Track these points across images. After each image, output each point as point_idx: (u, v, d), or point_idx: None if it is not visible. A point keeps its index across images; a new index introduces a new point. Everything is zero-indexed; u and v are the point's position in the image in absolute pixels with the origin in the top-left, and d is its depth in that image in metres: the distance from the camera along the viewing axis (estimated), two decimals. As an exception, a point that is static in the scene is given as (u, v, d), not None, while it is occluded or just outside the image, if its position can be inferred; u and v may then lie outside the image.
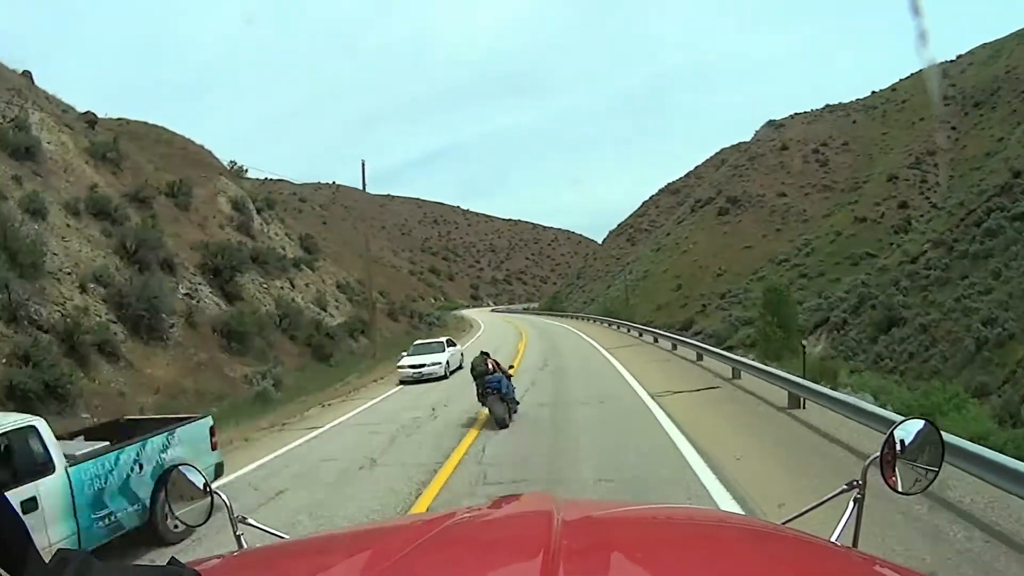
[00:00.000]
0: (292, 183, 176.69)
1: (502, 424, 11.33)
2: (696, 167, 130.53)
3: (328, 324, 31.71)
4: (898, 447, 1.63)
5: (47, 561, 0.81)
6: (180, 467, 1.85)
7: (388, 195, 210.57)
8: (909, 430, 1.66)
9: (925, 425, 1.67)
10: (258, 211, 37.19)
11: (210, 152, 43.17)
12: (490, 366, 12.04)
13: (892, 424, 1.73)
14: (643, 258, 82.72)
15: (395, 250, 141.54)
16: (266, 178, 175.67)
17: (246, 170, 44.05)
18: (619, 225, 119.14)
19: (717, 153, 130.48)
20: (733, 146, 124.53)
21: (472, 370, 12.37)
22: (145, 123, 43.23)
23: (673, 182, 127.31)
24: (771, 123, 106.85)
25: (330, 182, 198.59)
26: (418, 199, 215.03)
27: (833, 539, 1.47)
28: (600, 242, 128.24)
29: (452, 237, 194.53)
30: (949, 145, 58.69)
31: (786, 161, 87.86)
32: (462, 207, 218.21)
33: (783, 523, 1.67)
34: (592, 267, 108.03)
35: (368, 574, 1.20)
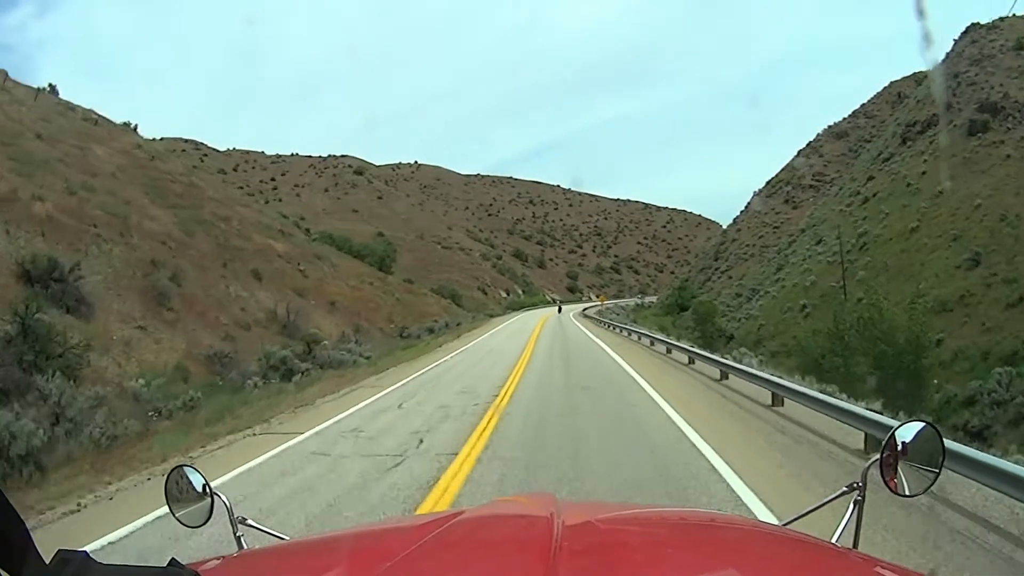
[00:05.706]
0: (357, 158, 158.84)
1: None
2: (863, 105, 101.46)
3: None
4: (899, 448, 1.57)
5: (47, 561, 0.81)
6: (180, 467, 1.72)
7: (477, 174, 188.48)
8: (909, 432, 1.59)
9: (925, 427, 1.60)
10: None
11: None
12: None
13: None
14: (831, 220, 52.15)
15: (470, 230, 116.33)
16: (328, 155, 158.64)
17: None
18: (768, 183, 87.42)
19: (887, 87, 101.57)
20: (909, 76, 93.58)
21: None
22: None
23: (836, 123, 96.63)
24: (976, 26, 75.05)
25: (411, 161, 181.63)
26: (511, 178, 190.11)
27: (833, 541, 1.47)
28: (724, 226, 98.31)
29: (550, 219, 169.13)
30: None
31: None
32: (563, 186, 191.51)
33: (784, 524, 1.73)
34: (736, 243, 77.25)
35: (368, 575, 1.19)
